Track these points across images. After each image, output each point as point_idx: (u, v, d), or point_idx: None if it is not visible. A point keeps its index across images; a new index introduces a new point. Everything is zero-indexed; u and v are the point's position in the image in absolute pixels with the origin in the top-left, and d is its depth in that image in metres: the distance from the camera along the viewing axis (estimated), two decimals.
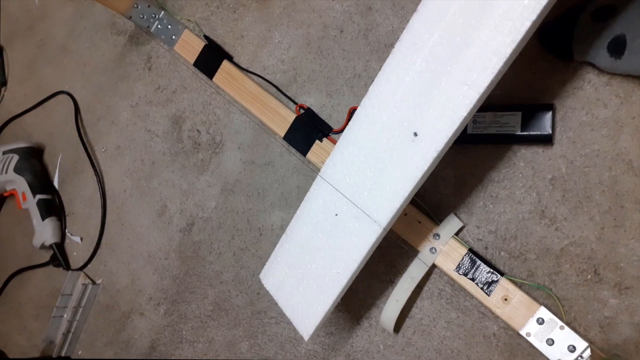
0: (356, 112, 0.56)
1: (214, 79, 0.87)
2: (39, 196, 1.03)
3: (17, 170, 1.04)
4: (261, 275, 0.70)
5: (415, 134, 0.51)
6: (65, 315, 0.97)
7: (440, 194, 0.69)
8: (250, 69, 0.86)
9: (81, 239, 1.02)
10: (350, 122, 0.56)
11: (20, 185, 1.04)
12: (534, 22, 0.46)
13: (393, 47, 0.53)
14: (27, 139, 1.10)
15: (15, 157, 1.05)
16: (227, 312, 0.84)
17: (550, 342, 0.59)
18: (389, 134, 0.53)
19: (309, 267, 0.62)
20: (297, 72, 0.82)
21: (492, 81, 0.48)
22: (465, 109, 0.48)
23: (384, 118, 0.53)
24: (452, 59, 0.50)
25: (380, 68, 0.75)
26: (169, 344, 0.89)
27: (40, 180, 1.05)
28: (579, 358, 0.58)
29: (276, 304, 0.80)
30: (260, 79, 0.84)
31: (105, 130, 1.02)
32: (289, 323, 0.79)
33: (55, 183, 1.07)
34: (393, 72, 0.53)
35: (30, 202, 1.03)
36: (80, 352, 0.99)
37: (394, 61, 0.53)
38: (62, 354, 0.97)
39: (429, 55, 0.51)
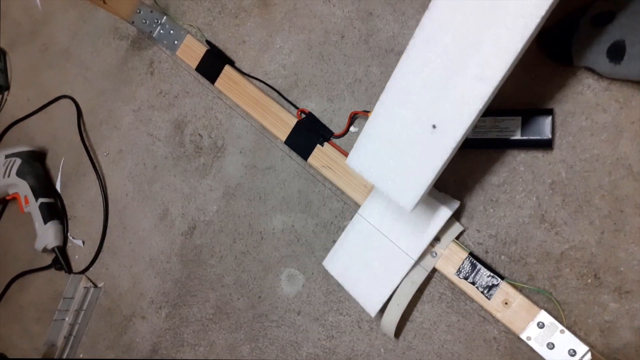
0: (375, 108, 0.59)
1: (215, 83, 0.87)
2: (41, 200, 1.03)
3: (19, 173, 1.04)
4: (325, 263, 0.75)
5: (434, 127, 0.54)
6: (66, 319, 0.97)
7: None
8: (251, 74, 0.86)
9: (83, 243, 1.03)
10: (371, 117, 0.59)
11: (22, 188, 1.04)
12: (542, 18, 0.47)
13: (408, 44, 0.55)
14: (29, 143, 1.11)
15: (18, 161, 1.05)
16: (229, 315, 0.85)
17: (551, 346, 0.59)
18: (409, 128, 0.56)
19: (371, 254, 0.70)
20: (298, 77, 0.83)
21: (504, 76, 0.50)
22: (480, 102, 0.51)
23: (403, 112, 0.57)
24: (465, 55, 0.52)
25: (381, 73, 0.76)
26: (171, 347, 0.89)
27: (43, 184, 1.06)
28: None
29: (277, 307, 0.80)
30: (261, 84, 0.85)
31: (107, 135, 1.02)
32: (290, 326, 0.79)
33: (58, 187, 1.08)
34: (409, 69, 0.56)
35: (33, 206, 1.03)
36: (81, 355, 0.99)
37: (409, 58, 0.56)
38: (64, 357, 0.98)
39: (442, 53, 0.53)
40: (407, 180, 0.57)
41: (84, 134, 1.05)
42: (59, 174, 1.08)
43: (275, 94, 0.84)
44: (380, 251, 0.68)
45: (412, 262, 0.65)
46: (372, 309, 0.68)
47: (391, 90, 0.57)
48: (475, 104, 0.51)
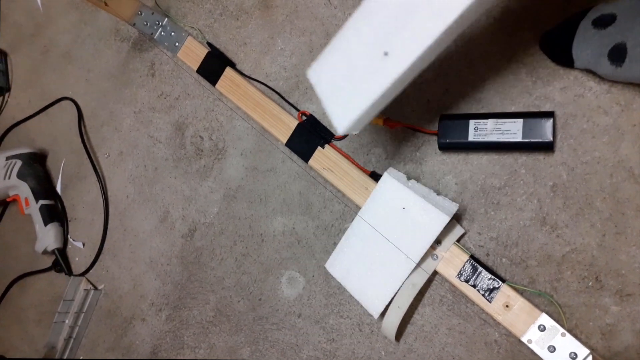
0: (344, 25, 0.59)
1: (216, 85, 0.88)
2: (41, 202, 1.03)
3: (20, 175, 1.04)
4: (327, 265, 0.75)
5: (386, 54, 0.55)
6: (67, 321, 0.97)
7: None
8: (252, 76, 0.86)
9: (83, 245, 1.03)
10: (339, 33, 0.59)
11: (23, 190, 1.04)
12: None
13: None
14: (30, 145, 1.11)
15: (19, 163, 1.05)
16: (229, 318, 0.84)
17: (552, 349, 0.59)
18: (365, 50, 0.57)
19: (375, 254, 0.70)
20: (299, 79, 0.83)
21: (461, 16, 0.50)
22: (431, 37, 0.51)
23: (364, 35, 0.57)
24: None
25: None
26: (171, 349, 0.89)
27: (43, 186, 1.06)
28: None
29: (277, 310, 0.80)
30: (262, 86, 0.85)
31: (108, 136, 1.02)
32: (290, 329, 0.79)
33: (58, 189, 1.08)
34: None
35: (33, 208, 1.03)
36: (81, 358, 0.99)
37: None
38: (64, 359, 0.98)
39: None
40: (347, 102, 0.58)
41: (84, 136, 1.05)
42: (60, 176, 1.08)
43: (277, 96, 0.84)
44: (382, 253, 0.68)
45: (413, 264, 0.65)
46: (375, 310, 0.68)
47: (359, 12, 0.58)
48: (427, 38, 0.52)
